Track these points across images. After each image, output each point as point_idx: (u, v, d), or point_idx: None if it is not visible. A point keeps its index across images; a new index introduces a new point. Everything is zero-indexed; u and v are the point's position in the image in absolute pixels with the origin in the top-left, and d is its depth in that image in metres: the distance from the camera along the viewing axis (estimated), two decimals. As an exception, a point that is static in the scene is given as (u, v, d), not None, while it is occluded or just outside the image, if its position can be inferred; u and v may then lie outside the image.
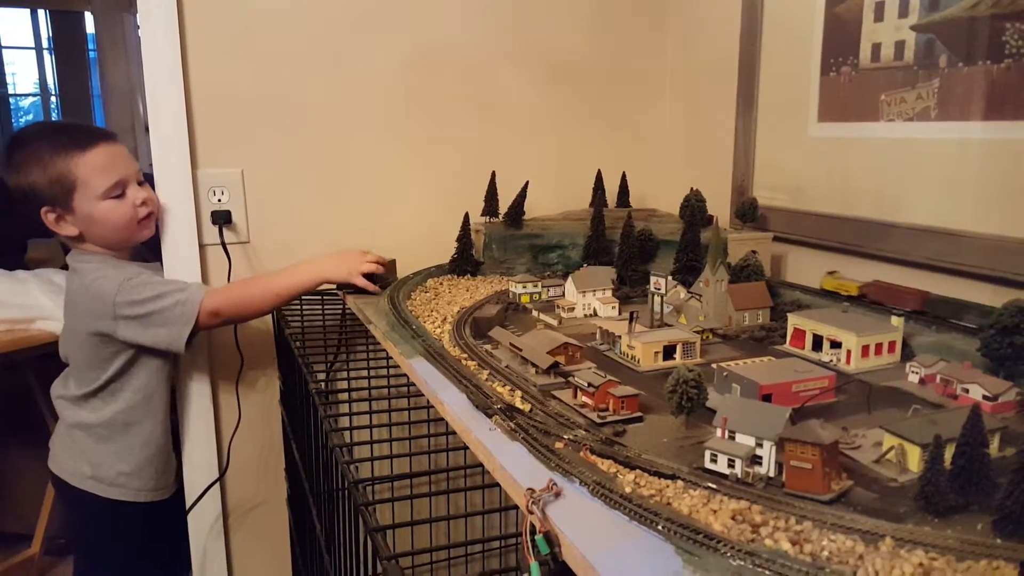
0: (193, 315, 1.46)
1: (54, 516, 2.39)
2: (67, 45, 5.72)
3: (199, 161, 1.68)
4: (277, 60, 1.71)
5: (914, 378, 1.01)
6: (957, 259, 1.26)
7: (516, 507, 0.76)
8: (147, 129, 1.65)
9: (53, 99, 6.05)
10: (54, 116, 6.15)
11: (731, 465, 0.74)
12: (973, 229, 1.24)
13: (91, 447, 1.57)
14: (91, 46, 5.60)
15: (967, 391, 0.92)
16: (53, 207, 1.48)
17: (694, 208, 1.59)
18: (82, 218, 1.49)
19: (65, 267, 1.62)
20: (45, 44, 5.98)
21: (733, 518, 0.67)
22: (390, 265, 1.64)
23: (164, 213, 1.63)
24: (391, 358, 1.28)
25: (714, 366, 1.01)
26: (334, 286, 1.58)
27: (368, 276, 1.55)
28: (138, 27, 1.59)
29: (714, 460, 0.75)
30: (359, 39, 1.77)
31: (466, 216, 1.66)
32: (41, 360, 2.03)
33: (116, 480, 1.58)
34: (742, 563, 0.61)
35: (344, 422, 1.14)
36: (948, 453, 0.70)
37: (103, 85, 5.27)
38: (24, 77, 6.14)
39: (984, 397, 0.90)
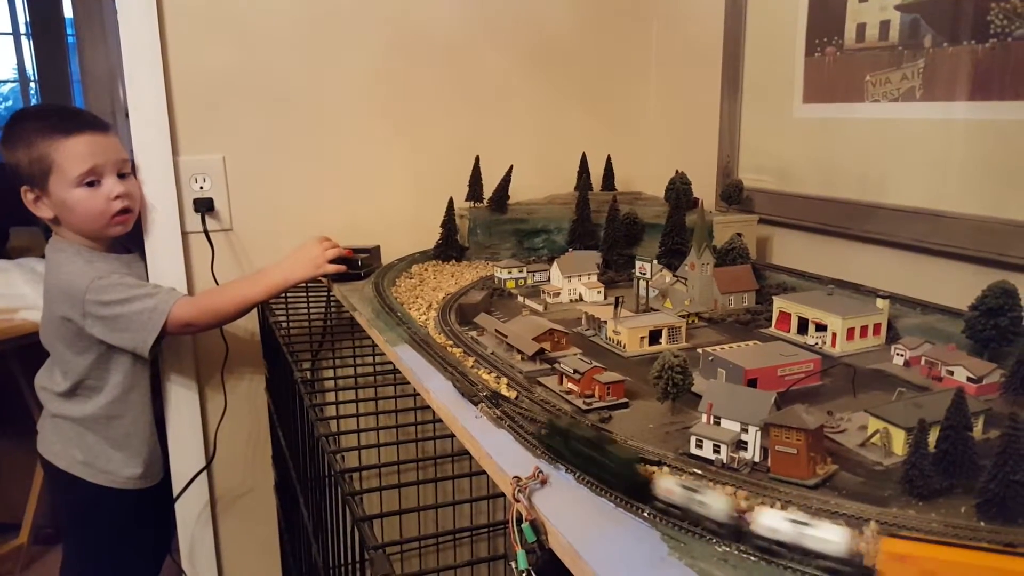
0: (159, 324, 1.46)
1: (42, 505, 2.38)
2: (45, 30, 5.64)
3: (180, 148, 1.66)
4: (258, 44, 1.69)
5: (899, 360, 1.01)
6: (942, 240, 1.26)
7: (503, 494, 0.76)
8: (127, 115, 1.63)
9: (32, 85, 5.96)
10: (33, 102, 6.06)
11: (716, 451, 0.74)
12: (958, 210, 1.24)
13: (79, 434, 1.57)
14: (70, 31, 5.52)
15: (952, 373, 0.92)
16: (32, 187, 1.49)
17: (679, 191, 1.59)
18: (57, 202, 1.49)
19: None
20: (23, 29, 5.88)
21: (719, 504, 0.66)
22: (374, 251, 1.63)
23: (146, 202, 1.62)
24: (376, 346, 1.28)
25: (700, 351, 1.01)
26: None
27: (342, 260, 1.55)
28: (116, 11, 1.57)
29: (699, 446, 0.75)
30: (342, 22, 1.75)
31: (450, 201, 1.65)
32: (25, 350, 2.01)
33: (106, 467, 1.58)
34: (727, 549, 0.61)
35: (330, 410, 1.14)
36: (932, 436, 0.70)
37: (82, 71, 5.19)
38: (2, 63, 6.05)
39: (968, 379, 0.90)
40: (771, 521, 0.57)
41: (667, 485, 0.64)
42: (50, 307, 1.53)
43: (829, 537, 0.55)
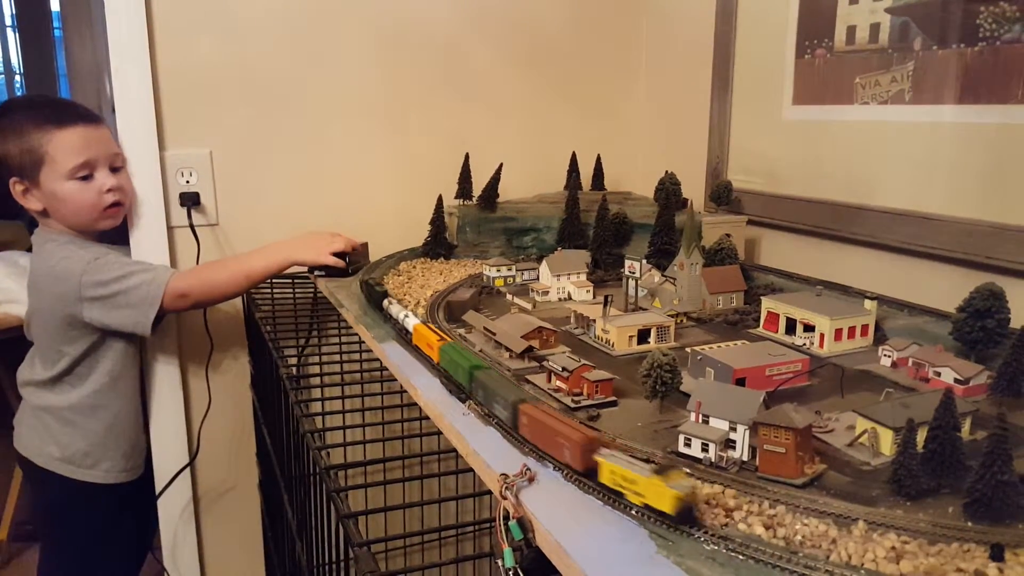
0: (159, 297, 1.44)
1: (21, 501, 2.35)
2: (32, 23, 5.58)
3: (167, 142, 1.64)
4: (246, 37, 1.68)
5: (887, 361, 1.01)
6: (930, 243, 1.26)
7: (490, 492, 0.75)
8: (114, 110, 1.62)
9: (17, 78, 5.91)
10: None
11: (705, 449, 0.74)
12: (946, 213, 1.24)
13: (59, 429, 1.55)
14: (56, 24, 5.47)
15: (939, 374, 0.93)
16: (21, 178, 1.47)
17: (669, 191, 1.59)
18: (47, 194, 1.47)
19: (30, 248, 1.59)
20: (9, 22, 5.83)
21: (707, 502, 0.66)
22: (362, 248, 1.62)
23: (136, 196, 1.60)
24: (363, 342, 1.27)
25: (688, 350, 1.00)
26: (304, 268, 1.55)
27: (337, 256, 1.54)
28: (103, 4, 1.55)
29: (688, 444, 0.75)
30: (331, 15, 1.74)
31: (439, 199, 1.64)
32: (6, 344, 1.99)
33: (84, 462, 1.56)
34: (715, 547, 0.61)
35: (316, 407, 1.13)
36: (920, 436, 0.70)
37: (69, 64, 5.15)
38: (-13, 56, 5.99)
39: (956, 380, 0.90)
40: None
41: (395, 308, 1.16)
42: (39, 297, 1.51)
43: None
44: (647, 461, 0.68)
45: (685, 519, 0.63)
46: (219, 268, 1.53)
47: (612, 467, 0.67)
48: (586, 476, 0.70)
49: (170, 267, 1.53)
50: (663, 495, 0.63)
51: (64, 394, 1.54)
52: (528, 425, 0.78)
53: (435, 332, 1.04)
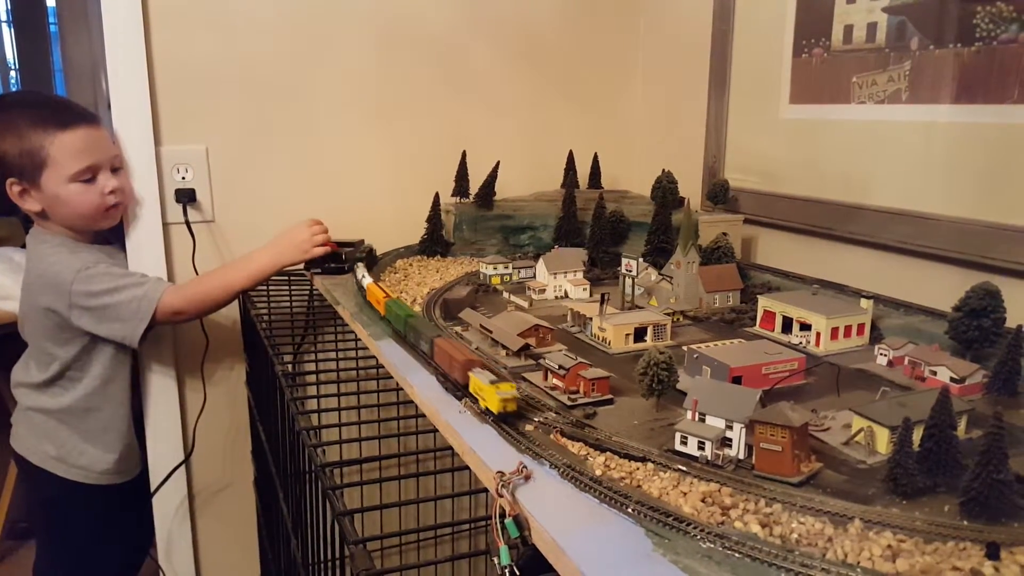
0: (149, 312, 1.44)
1: (16, 499, 2.35)
2: (27, 18, 5.56)
3: (162, 138, 1.63)
4: (243, 34, 1.67)
5: (883, 360, 1.02)
6: (926, 242, 1.27)
7: (486, 490, 0.75)
8: (110, 106, 1.61)
9: (13, 74, 5.89)
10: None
11: (701, 447, 0.74)
12: (942, 212, 1.24)
13: (54, 428, 1.55)
14: (52, 20, 5.45)
15: (935, 373, 0.93)
16: (20, 179, 1.44)
17: (665, 190, 1.59)
18: (48, 196, 1.45)
19: (25, 245, 1.58)
20: (4, 17, 5.81)
21: (703, 500, 0.66)
22: (358, 245, 1.61)
23: (135, 195, 1.60)
24: (359, 340, 1.27)
25: (685, 348, 1.00)
26: (300, 265, 1.55)
27: (332, 255, 1.54)
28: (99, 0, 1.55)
29: (684, 442, 0.75)
30: (328, 14, 1.73)
31: (436, 196, 1.64)
32: (3, 341, 1.98)
33: (78, 462, 1.56)
34: (712, 545, 0.61)
35: (312, 404, 1.13)
36: (916, 435, 0.70)
37: (64, 60, 5.13)
38: (-18, 51, 5.96)
39: (951, 379, 0.90)
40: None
41: (358, 272, 1.33)
42: (32, 298, 1.50)
43: None
44: (497, 373, 0.87)
45: (504, 419, 0.81)
46: (210, 282, 1.52)
47: (475, 379, 0.85)
48: (464, 387, 0.88)
49: (163, 280, 1.51)
50: (493, 399, 0.80)
51: (57, 397, 1.54)
52: (438, 354, 0.95)
53: (383, 290, 1.21)
